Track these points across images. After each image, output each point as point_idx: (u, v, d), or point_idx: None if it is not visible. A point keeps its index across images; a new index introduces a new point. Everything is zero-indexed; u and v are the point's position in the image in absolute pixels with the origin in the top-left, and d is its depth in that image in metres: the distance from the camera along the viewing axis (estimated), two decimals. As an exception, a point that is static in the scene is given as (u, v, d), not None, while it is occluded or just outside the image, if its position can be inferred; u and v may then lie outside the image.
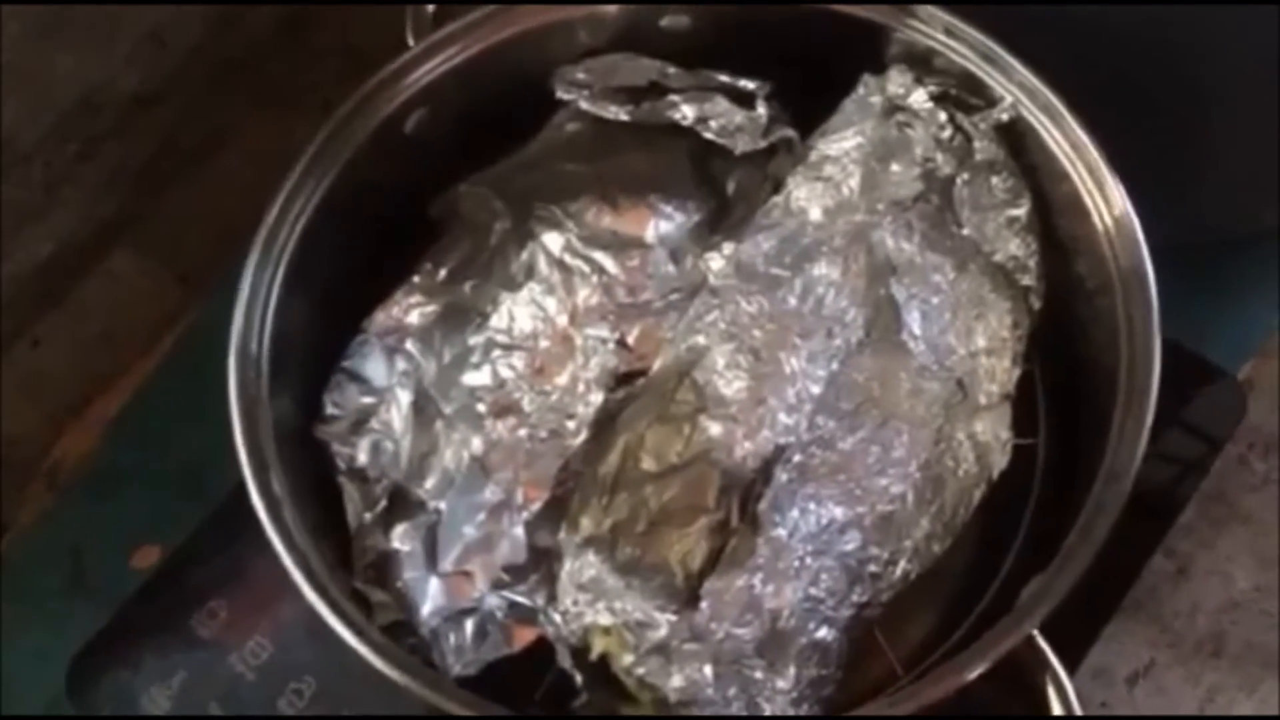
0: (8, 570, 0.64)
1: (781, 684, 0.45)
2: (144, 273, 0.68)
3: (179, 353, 0.67)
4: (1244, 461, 0.66)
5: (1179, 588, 0.63)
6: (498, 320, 0.50)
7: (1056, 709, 0.45)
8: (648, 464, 0.47)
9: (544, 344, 0.50)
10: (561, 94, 0.55)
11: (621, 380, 0.49)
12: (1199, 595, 0.63)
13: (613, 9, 0.55)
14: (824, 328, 0.48)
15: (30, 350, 0.65)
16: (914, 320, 0.49)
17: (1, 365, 0.64)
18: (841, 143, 0.51)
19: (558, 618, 0.46)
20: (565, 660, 0.46)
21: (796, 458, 0.46)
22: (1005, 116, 0.52)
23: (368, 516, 0.50)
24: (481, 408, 0.49)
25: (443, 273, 0.52)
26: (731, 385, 0.47)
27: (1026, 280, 0.52)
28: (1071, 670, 0.56)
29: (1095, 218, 0.50)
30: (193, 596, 0.58)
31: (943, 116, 0.52)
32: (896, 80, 0.52)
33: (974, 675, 0.43)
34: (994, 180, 0.52)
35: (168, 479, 0.64)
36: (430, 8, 0.55)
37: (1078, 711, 0.45)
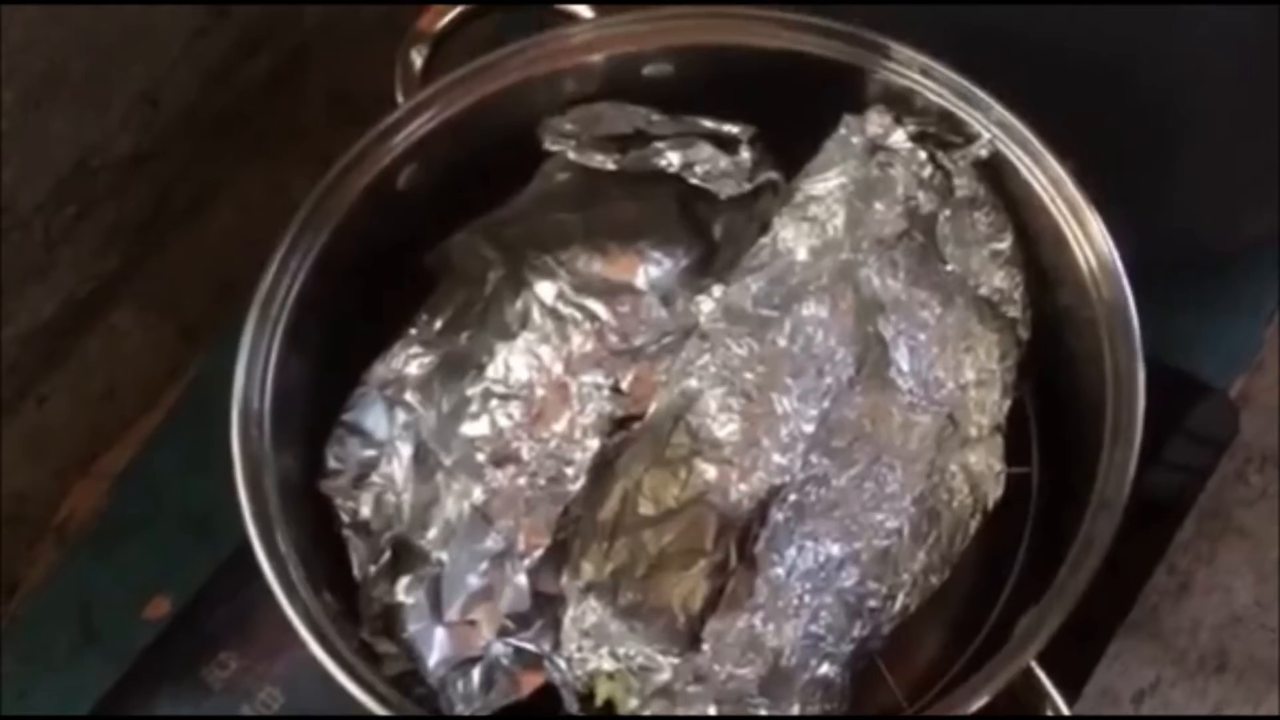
0: (19, 628, 0.64)
1: (785, 721, 0.45)
2: (145, 327, 0.69)
3: (182, 405, 0.68)
4: (1240, 476, 0.66)
5: (1180, 605, 0.63)
6: (494, 370, 0.51)
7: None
8: (646, 508, 0.47)
9: (540, 392, 0.50)
10: (549, 144, 0.56)
11: (618, 425, 0.50)
12: (1200, 611, 0.63)
13: (597, 59, 0.56)
14: (814, 367, 0.48)
15: (36, 408, 0.66)
16: (902, 356, 0.49)
17: (7, 424, 0.64)
18: (825, 183, 0.52)
19: (562, 664, 0.47)
20: (571, 706, 0.47)
21: (792, 497, 0.47)
22: (984, 153, 0.53)
23: (373, 569, 0.50)
24: (481, 457, 0.50)
25: (439, 323, 0.53)
26: (725, 428, 0.47)
27: (1013, 312, 0.53)
28: (1079, 690, 0.57)
29: (1076, 251, 0.51)
30: (203, 647, 0.59)
31: (923, 155, 0.53)
32: (876, 120, 0.53)
33: (972, 710, 0.44)
34: (976, 215, 0.53)
35: (175, 531, 0.64)
36: (418, 65, 0.56)
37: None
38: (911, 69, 0.53)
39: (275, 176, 0.68)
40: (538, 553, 0.48)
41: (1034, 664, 0.45)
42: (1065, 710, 0.45)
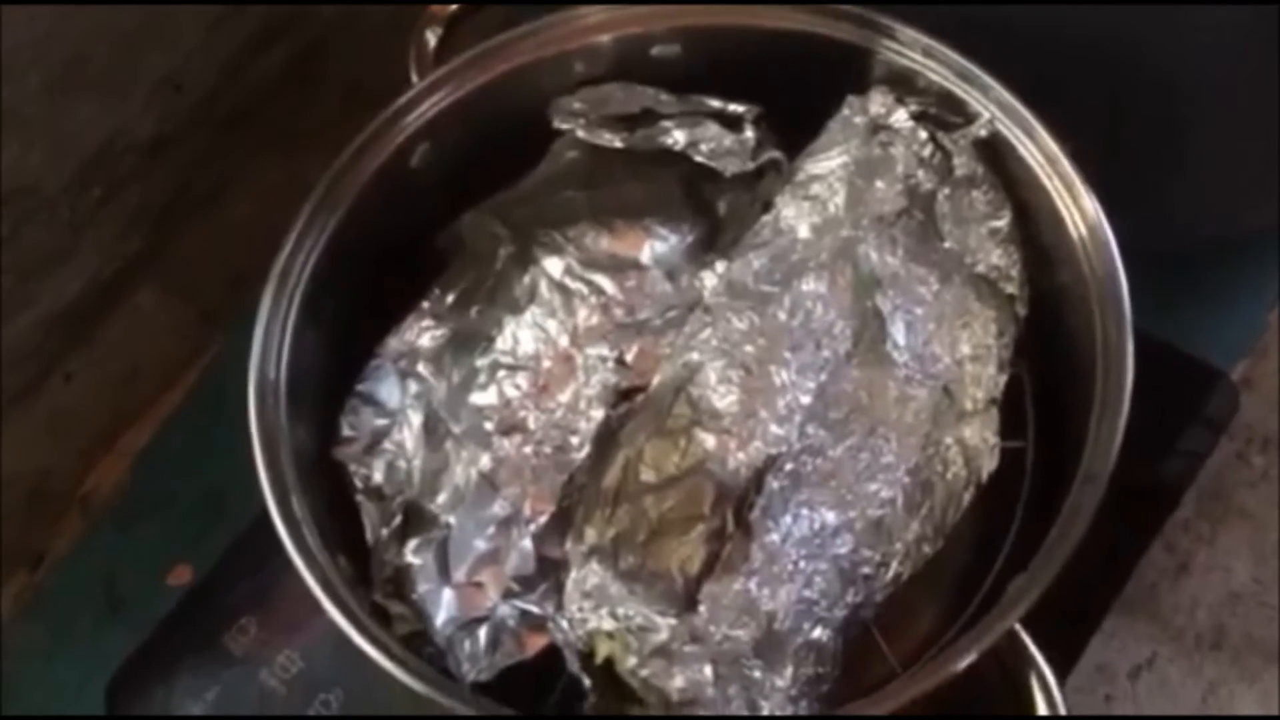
0: (46, 597, 0.66)
1: (779, 683, 0.46)
2: (166, 309, 0.70)
3: (202, 384, 0.70)
4: (1242, 458, 0.67)
5: (1179, 583, 0.64)
6: (503, 342, 0.52)
7: (1041, 704, 0.46)
8: (647, 476, 0.48)
9: (547, 364, 0.51)
10: (559, 124, 0.57)
11: (622, 396, 0.51)
12: (1199, 590, 0.64)
13: (606, 39, 0.57)
14: (812, 341, 0.49)
15: (61, 387, 0.67)
16: (899, 331, 0.50)
17: (34, 402, 0.66)
18: (827, 162, 0.53)
19: (564, 624, 0.48)
20: (573, 664, 0.48)
21: (788, 466, 0.48)
22: (983, 132, 0.53)
23: (384, 533, 0.51)
24: (489, 426, 0.51)
25: (450, 298, 0.54)
26: (724, 399, 0.48)
27: (1010, 289, 0.53)
28: (1071, 664, 0.58)
29: (1070, 228, 0.52)
30: (224, 615, 0.60)
31: (923, 134, 0.53)
32: (878, 101, 0.54)
33: (957, 669, 0.44)
34: (974, 194, 0.53)
35: (195, 505, 0.66)
36: (431, 46, 0.57)
37: (1061, 707, 0.46)
38: (914, 50, 0.54)
39: (291, 164, 0.69)
40: (542, 518, 0.49)
41: (1020, 630, 0.46)
42: (1050, 675, 0.45)
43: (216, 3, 0.65)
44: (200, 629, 0.61)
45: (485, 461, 0.51)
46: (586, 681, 0.48)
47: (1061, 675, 0.47)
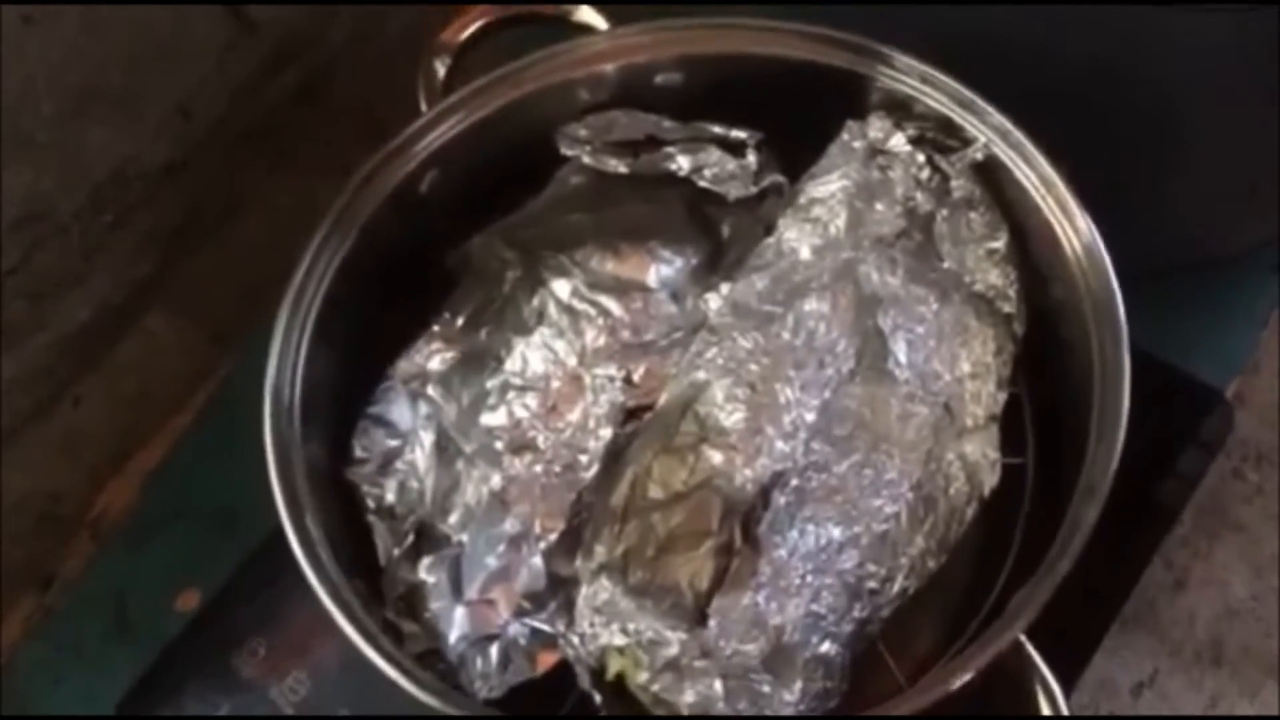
0: (56, 618, 0.66)
1: (788, 696, 0.47)
2: (176, 332, 0.71)
3: (212, 407, 0.70)
4: (1237, 474, 0.68)
5: (1177, 598, 0.65)
6: (512, 363, 0.53)
7: (1045, 711, 0.47)
8: (655, 493, 0.49)
9: (556, 384, 0.52)
10: (565, 150, 0.58)
11: (629, 415, 0.52)
12: (1197, 605, 0.65)
13: (610, 68, 0.58)
14: (816, 359, 0.50)
15: (72, 409, 0.68)
16: (900, 349, 0.51)
17: (45, 424, 0.66)
18: (828, 185, 0.54)
19: (575, 640, 0.48)
20: (584, 681, 0.48)
21: (794, 482, 0.49)
22: (979, 156, 0.54)
23: (396, 552, 0.52)
24: (499, 446, 0.52)
25: (460, 321, 0.55)
26: (730, 416, 0.49)
27: (1008, 308, 0.54)
28: (1075, 679, 0.59)
29: (1066, 247, 0.53)
30: (234, 637, 0.61)
31: (920, 158, 0.55)
32: (877, 125, 0.55)
33: (962, 680, 0.45)
34: (972, 215, 0.54)
35: (204, 526, 0.66)
36: (440, 75, 0.58)
37: (1065, 713, 0.46)
38: (912, 77, 0.55)
39: (299, 187, 0.70)
40: (553, 536, 0.50)
41: (1024, 639, 0.46)
42: (1054, 683, 0.46)
43: (226, 1, 0.66)
44: (209, 651, 0.61)
45: (496, 480, 0.51)
46: (597, 698, 0.48)
47: (1067, 691, 0.48)
